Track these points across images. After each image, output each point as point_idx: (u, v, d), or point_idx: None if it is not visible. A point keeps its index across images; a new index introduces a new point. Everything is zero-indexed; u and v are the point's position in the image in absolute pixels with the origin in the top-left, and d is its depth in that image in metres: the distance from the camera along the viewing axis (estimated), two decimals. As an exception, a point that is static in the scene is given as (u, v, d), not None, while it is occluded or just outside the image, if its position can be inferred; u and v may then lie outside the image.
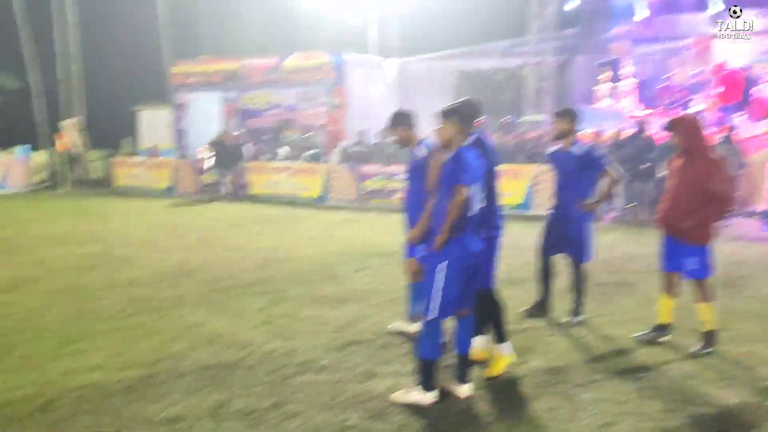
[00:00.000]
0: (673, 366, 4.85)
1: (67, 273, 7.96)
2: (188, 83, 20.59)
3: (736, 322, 5.77)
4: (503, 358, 4.72)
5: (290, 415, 4.03)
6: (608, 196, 6.13)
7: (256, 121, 19.93)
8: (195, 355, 5.06)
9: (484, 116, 5.02)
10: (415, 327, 5.47)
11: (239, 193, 16.63)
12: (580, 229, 5.84)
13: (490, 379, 4.60)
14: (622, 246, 9.65)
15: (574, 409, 4.14)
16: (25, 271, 8.06)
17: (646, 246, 9.82)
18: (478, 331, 4.65)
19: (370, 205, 14.60)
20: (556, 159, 6.00)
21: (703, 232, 5.12)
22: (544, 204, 12.06)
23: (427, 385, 4.20)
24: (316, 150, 16.98)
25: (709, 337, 5.13)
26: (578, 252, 5.87)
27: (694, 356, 5.02)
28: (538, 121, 16.47)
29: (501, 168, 4.84)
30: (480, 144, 4.43)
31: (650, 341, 5.33)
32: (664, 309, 5.38)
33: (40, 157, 20.77)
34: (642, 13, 16.89)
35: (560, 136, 5.91)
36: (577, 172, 5.78)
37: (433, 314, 4.13)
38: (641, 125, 12.72)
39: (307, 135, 18.23)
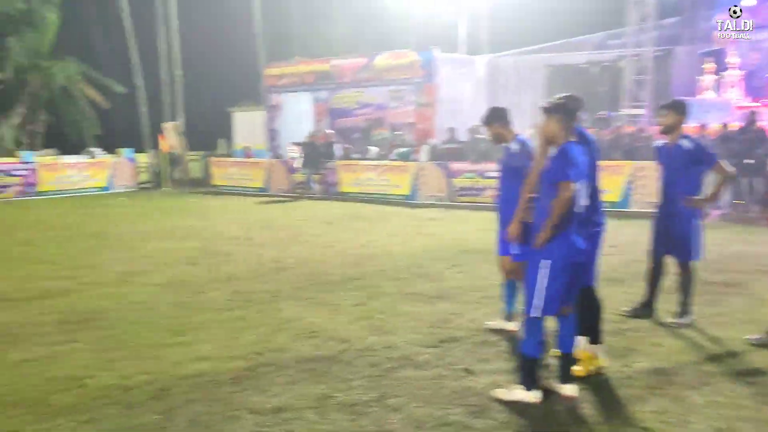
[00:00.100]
0: (791, 371, 4.58)
1: (172, 267, 8.34)
2: (281, 84, 21.16)
3: None
4: (594, 360, 4.58)
5: (392, 409, 4.06)
6: (719, 193, 5.84)
7: (347, 121, 20.25)
8: (296, 348, 5.18)
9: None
10: (512, 325, 5.42)
11: (330, 192, 16.93)
12: (687, 227, 5.58)
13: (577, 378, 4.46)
14: (731, 244, 9.18)
15: (686, 413, 3.97)
16: (134, 265, 8.50)
17: (756, 245, 9.33)
18: (580, 331, 4.54)
19: (460, 203, 14.54)
20: (663, 154, 5.75)
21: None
22: (643, 201, 11.74)
23: (529, 383, 4.13)
24: (406, 148, 17.04)
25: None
26: (685, 250, 5.62)
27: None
28: (636, 116, 15.93)
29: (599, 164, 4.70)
30: (583, 139, 4.33)
31: (764, 344, 5.04)
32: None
33: (144, 158, 21.89)
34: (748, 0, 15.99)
35: (667, 130, 5.67)
36: (686, 168, 5.53)
37: (536, 312, 4.06)
38: (752, 117, 12.04)
39: (396, 133, 18.34)
